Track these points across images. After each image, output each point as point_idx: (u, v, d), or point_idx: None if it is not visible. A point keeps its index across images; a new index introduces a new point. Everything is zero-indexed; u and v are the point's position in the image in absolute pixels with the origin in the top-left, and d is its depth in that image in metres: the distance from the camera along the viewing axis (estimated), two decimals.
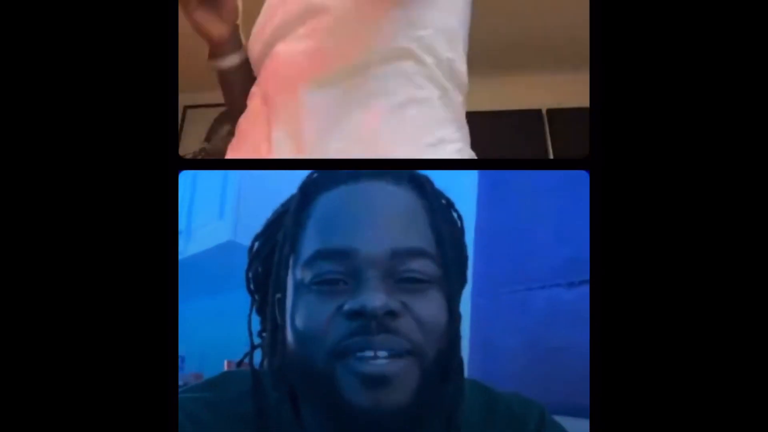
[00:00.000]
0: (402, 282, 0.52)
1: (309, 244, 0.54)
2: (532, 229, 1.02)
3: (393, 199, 0.55)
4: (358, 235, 0.53)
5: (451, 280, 0.55)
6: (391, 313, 0.51)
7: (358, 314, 0.50)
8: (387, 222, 0.53)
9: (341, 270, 0.52)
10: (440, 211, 0.57)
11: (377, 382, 0.50)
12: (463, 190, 1.18)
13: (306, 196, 0.57)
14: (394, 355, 0.51)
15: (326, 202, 0.56)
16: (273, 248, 0.57)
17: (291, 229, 0.56)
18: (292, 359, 0.53)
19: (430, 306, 0.53)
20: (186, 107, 3.90)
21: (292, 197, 0.58)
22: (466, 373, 0.58)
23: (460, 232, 0.59)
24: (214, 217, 1.95)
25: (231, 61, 0.84)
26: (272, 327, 0.56)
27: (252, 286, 0.60)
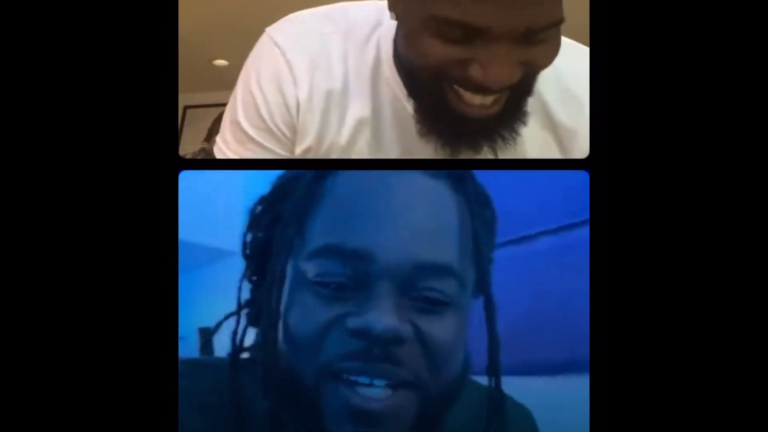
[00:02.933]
0: (416, 300, 0.45)
1: (318, 232, 0.47)
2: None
3: (426, 196, 0.47)
4: (378, 237, 0.45)
5: (488, 303, 0.48)
6: (398, 340, 0.44)
7: (360, 334, 0.44)
8: (414, 225, 0.45)
9: (350, 274, 0.45)
10: (478, 212, 0.49)
11: (367, 418, 0.44)
12: None
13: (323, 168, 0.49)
14: (392, 385, 0.45)
15: (347, 182, 0.47)
16: (275, 220, 0.50)
17: (300, 205, 0.48)
18: (280, 364, 0.47)
19: (444, 332, 0.45)
20: (186, 107, 3.90)
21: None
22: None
23: (493, 235, 0.52)
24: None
25: None
26: (266, 309, 0.49)
27: (248, 251, 0.53)
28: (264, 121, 0.69)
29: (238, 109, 0.71)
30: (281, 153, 0.71)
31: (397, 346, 0.44)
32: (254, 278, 0.53)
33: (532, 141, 0.69)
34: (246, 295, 0.53)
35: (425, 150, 0.67)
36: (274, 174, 0.54)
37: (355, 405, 0.44)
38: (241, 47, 0.90)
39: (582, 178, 0.60)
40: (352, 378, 0.44)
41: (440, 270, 0.45)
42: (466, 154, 0.65)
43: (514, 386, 0.56)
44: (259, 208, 0.53)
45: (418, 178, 0.47)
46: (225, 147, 0.73)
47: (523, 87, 0.62)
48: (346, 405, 0.44)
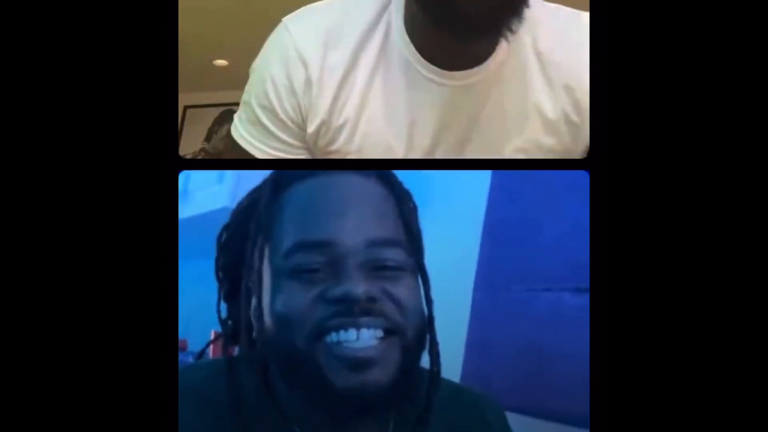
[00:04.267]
0: (378, 270, 0.54)
1: (287, 234, 0.56)
2: (539, 230, 1.02)
3: (364, 190, 0.57)
4: (336, 227, 0.55)
5: (422, 267, 0.58)
6: (372, 299, 0.53)
7: (340, 300, 0.52)
8: (361, 214, 0.56)
9: (321, 260, 0.54)
10: (405, 201, 0.59)
11: (361, 364, 0.52)
12: (471, 187, 1.18)
13: (278, 187, 0.58)
14: (377, 336, 0.53)
15: (300, 193, 0.57)
16: (244, 237, 0.58)
17: (264, 219, 0.57)
18: (271, 343, 0.55)
19: (405, 290, 0.55)
20: (186, 107, 3.90)
21: (262, 188, 0.60)
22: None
23: (417, 219, 0.62)
24: (213, 181, 1.95)
25: None
26: (245, 314, 0.57)
27: (221, 275, 0.62)
28: (271, 102, 0.74)
29: (250, 90, 0.76)
30: (286, 139, 0.76)
31: (373, 303, 0.53)
32: (230, 296, 0.61)
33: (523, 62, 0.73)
34: (224, 313, 0.62)
35: (433, 100, 0.72)
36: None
37: (349, 356, 0.52)
38: (241, 47, 0.91)
39: (582, 178, 0.61)
40: (342, 335, 0.52)
41: (390, 243, 0.56)
42: (475, 44, 0.70)
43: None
44: (225, 234, 0.62)
45: (355, 177, 0.58)
46: (239, 124, 0.78)
47: None
48: (341, 358, 0.52)
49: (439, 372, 0.58)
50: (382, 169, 0.59)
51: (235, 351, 0.61)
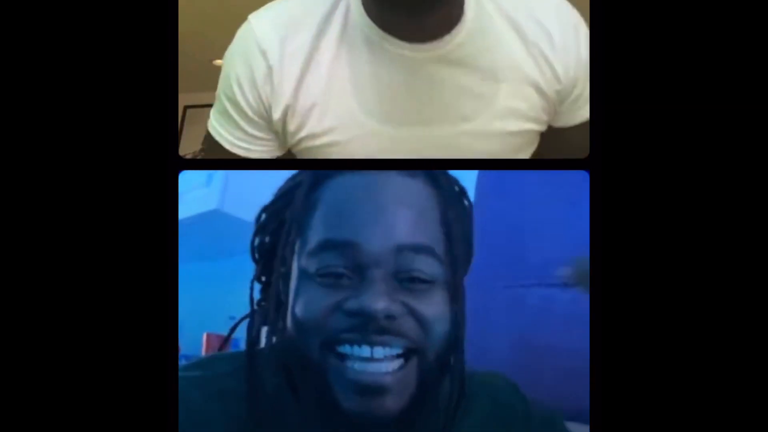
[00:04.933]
0: (406, 281, 0.51)
1: (315, 232, 0.53)
2: (531, 225, 1.02)
3: (404, 190, 0.53)
4: (364, 229, 0.51)
5: (457, 280, 0.54)
6: (391, 317, 0.50)
7: (356, 314, 0.50)
8: (395, 216, 0.52)
9: (345, 264, 0.51)
10: (452, 202, 0.55)
11: (371, 390, 0.49)
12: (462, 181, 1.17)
13: (317, 177, 0.55)
14: (392, 356, 0.50)
15: (337, 186, 0.54)
16: (280, 225, 0.56)
17: (299, 211, 0.55)
18: (289, 344, 0.53)
19: (432, 307, 0.52)
20: (186, 107, 3.90)
21: (302, 176, 0.57)
22: None
23: (470, 222, 0.58)
24: (202, 183, 1.94)
25: None
26: (275, 302, 0.55)
27: (257, 255, 0.59)
28: (235, 95, 0.75)
29: (220, 84, 0.78)
30: (251, 131, 0.77)
31: (390, 322, 0.50)
32: (263, 278, 0.59)
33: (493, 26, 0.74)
34: (257, 294, 0.59)
35: (402, 73, 0.72)
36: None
37: (361, 381, 0.49)
38: None
39: (582, 178, 0.61)
40: (354, 350, 0.50)
41: (422, 250, 0.52)
42: (428, 17, 0.70)
43: None
44: (264, 215, 0.59)
45: (397, 177, 0.54)
46: (212, 115, 0.80)
47: None
48: (352, 382, 0.49)
49: (459, 401, 0.54)
50: (378, 168, 0.56)
51: (261, 342, 0.57)
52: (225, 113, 0.76)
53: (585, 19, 0.72)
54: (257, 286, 0.59)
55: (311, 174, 0.55)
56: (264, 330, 0.55)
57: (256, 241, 0.59)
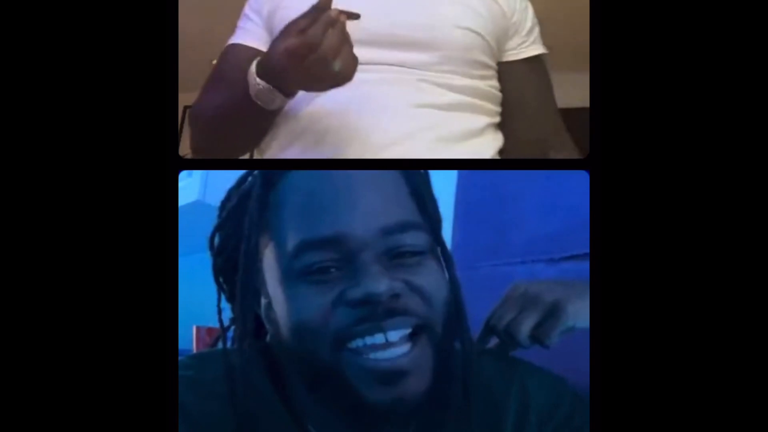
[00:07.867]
0: (397, 258, 0.50)
1: (291, 234, 0.51)
2: (514, 203, 1.01)
3: (365, 174, 0.52)
4: (344, 219, 0.50)
5: (442, 244, 0.54)
6: (396, 296, 0.49)
7: (362, 302, 0.48)
8: (369, 200, 0.51)
9: (332, 257, 0.50)
10: (413, 174, 0.55)
11: (393, 376, 0.48)
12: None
13: (269, 180, 0.54)
14: (405, 336, 0.49)
15: (296, 185, 0.53)
16: (239, 239, 0.54)
17: (257, 217, 0.53)
18: (290, 353, 0.51)
19: (429, 277, 0.51)
20: (186, 107, 3.89)
21: (250, 179, 0.56)
22: None
23: (429, 183, 0.57)
24: (183, 174, 1.92)
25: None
26: (243, 316, 0.54)
27: (221, 279, 0.59)
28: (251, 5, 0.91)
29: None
30: (258, 22, 0.89)
31: (396, 300, 0.49)
32: (233, 298, 0.58)
33: None
34: (228, 314, 0.59)
35: None
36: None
37: (379, 369, 0.48)
38: None
39: (582, 178, 0.60)
40: (368, 341, 0.48)
41: (406, 226, 0.51)
42: None
43: None
44: (217, 237, 0.59)
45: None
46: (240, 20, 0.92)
47: None
48: (371, 371, 0.48)
49: (471, 359, 0.54)
50: (372, 168, 0.55)
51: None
52: (245, 16, 0.91)
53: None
54: (227, 306, 0.59)
55: (260, 178, 0.54)
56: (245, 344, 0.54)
57: (218, 264, 0.59)
